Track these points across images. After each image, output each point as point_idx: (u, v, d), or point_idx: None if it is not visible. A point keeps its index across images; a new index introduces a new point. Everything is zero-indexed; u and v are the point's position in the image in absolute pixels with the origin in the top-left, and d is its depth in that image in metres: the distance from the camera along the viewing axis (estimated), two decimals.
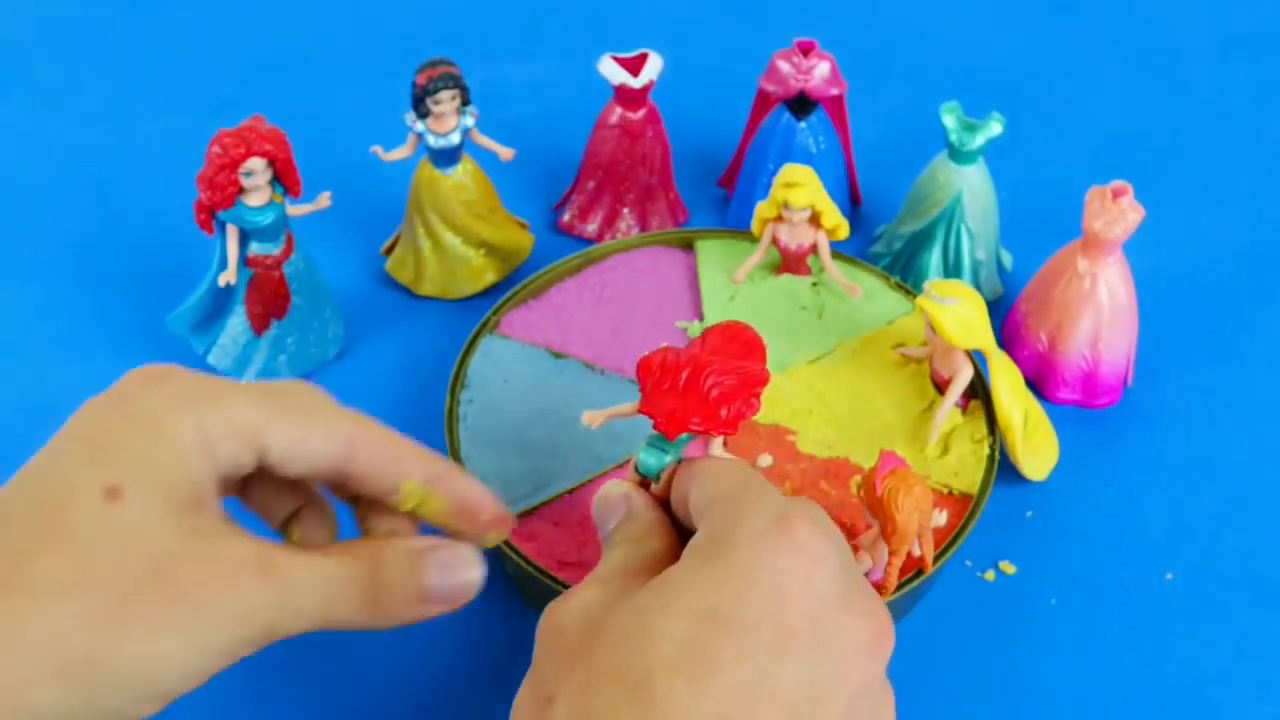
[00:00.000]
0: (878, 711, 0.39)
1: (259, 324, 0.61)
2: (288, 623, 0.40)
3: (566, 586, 0.50)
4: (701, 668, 0.36)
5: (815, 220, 0.61)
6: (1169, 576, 0.56)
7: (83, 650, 0.36)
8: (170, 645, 0.37)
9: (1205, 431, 0.62)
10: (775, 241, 0.62)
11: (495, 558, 0.55)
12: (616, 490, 0.45)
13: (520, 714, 0.39)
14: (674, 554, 0.42)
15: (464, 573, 0.43)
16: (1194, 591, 0.56)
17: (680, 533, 0.44)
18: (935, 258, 0.65)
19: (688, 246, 0.65)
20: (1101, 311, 0.60)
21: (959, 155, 0.63)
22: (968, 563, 0.56)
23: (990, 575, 0.56)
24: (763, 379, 0.45)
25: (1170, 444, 0.61)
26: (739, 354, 0.46)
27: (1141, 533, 0.58)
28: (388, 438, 0.44)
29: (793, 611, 0.37)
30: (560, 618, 0.40)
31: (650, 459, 0.45)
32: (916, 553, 0.50)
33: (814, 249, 0.62)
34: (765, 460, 0.52)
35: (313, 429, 0.42)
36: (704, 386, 0.44)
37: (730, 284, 0.63)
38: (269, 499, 0.46)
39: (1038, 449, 0.58)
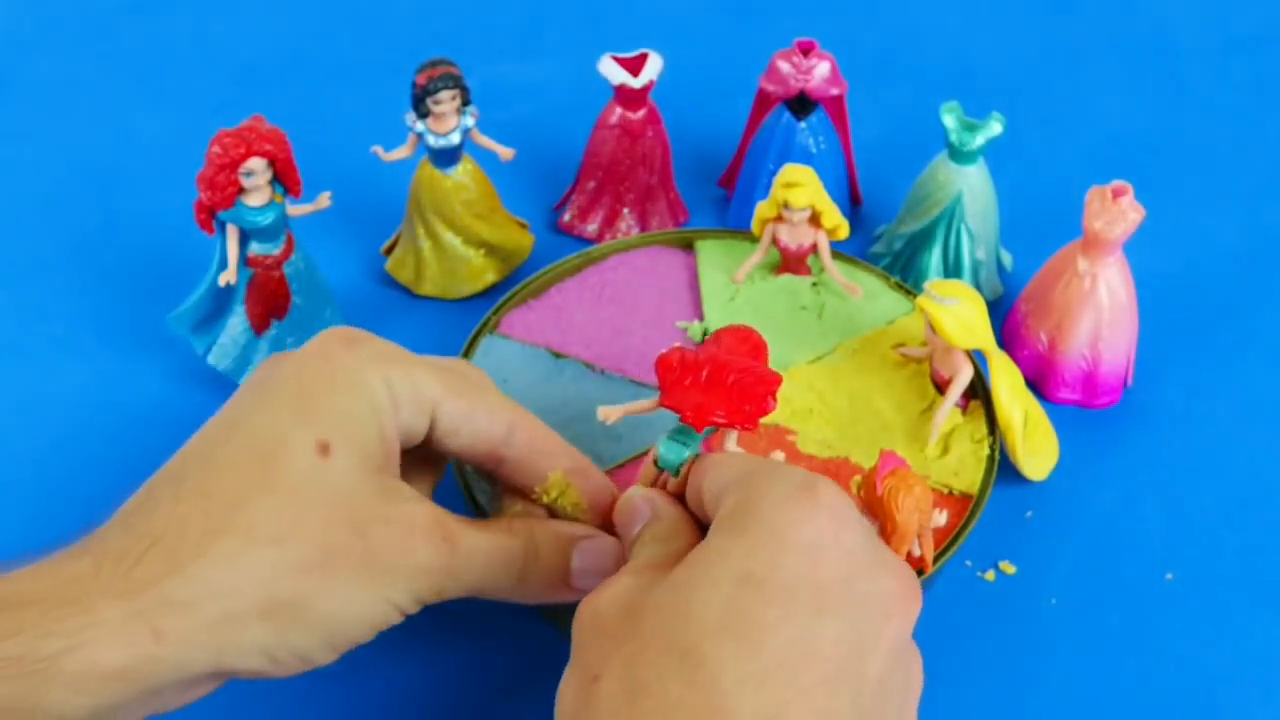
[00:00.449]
0: (910, 670, 0.40)
1: (259, 324, 0.61)
2: (452, 587, 0.43)
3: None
4: (748, 630, 0.36)
5: (815, 220, 0.61)
6: (1169, 576, 0.56)
7: (289, 596, 0.39)
8: (362, 598, 0.41)
9: (1205, 431, 0.62)
10: (775, 241, 0.62)
11: None
12: (640, 495, 0.46)
13: (566, 700, 0.39)
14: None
15: (605, 566, 0.46)
16: (1194, 591, 0.56)
17: (704, 530, 0.44)
18: (935, 258, 0.65)
19: (688, 246, 0.65)
20: (1101, 311, 0.60)
21: (959, 155, 0.63)
22: (968, 563, 0.56)
23: (990, 575, 0.56)
24: (777, 380, 0.46)
25: (1170, 444, 0.61)
26: (750, 355, 0.47)
27: (1141, 533, 0.58)
28: (543, 428, 0.48)
29: (826, 570, 0.37)
30: (598, 607, 0.40)
31: (670, 453, 0.45)
32: (916, 553, 0.50)
33: (814, 249, 0.62)
34: (778, 455, 0.52)
35: (481, 407, 0.46)
36: (727, 382, 0.45)
37: (730, 284, 0.63)
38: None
39: (1038, 449, 0.58)
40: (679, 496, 0.46)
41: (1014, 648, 0.54)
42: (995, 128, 0.62)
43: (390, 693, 0.52)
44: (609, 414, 0.48)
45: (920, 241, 0.66)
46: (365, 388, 0.43)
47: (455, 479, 0.53)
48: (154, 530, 0.39)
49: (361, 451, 0.42)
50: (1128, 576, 0.56)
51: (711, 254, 0.64)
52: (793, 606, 0.37)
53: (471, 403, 0.46)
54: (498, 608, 0.54)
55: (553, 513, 0.48)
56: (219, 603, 0.38)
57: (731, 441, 0.48)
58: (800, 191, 0.59)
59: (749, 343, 0.48)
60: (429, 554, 0.42)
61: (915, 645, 0.41)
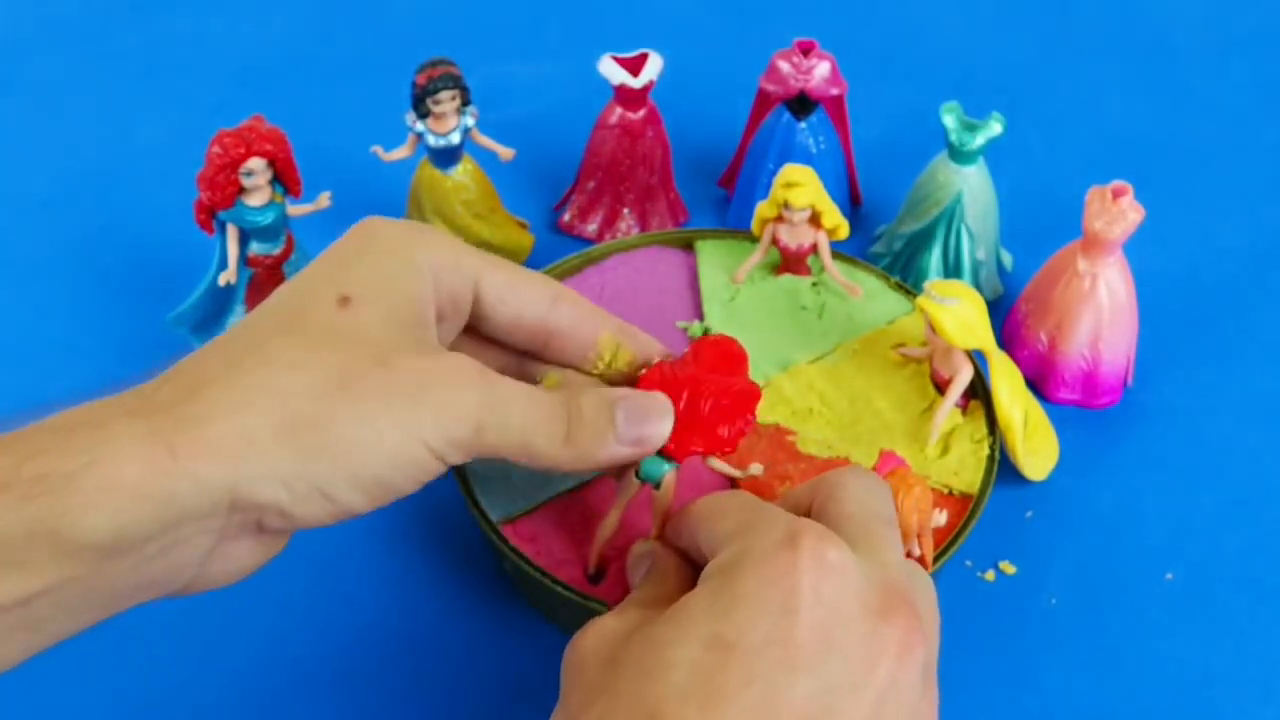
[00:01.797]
0: (915, 712, 0.39)
1: None
2: (494, 434, 0.42)
3: (565, 586, 0.50)
4: (710, 695, 0.36)
5: (815, 220, 0.61)
6: (1169, 576, 0.56)
7: (305, 414, 0.38)
8: (384, 425, 0.39)
9: (1205, 431, 0.62)
10: (775, 241, 0.62)
11: (495, 558, 0.55)
12: (643, 548, 0.47)
13: None
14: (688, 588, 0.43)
15: (653, 420, 0.45)
16: (1194, 591, 0.56)
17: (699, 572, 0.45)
18: (935, 258, 0.65)
19: (688, 246, 0.65)
20: (1101, 311, 0.60)
21: (959, 155, 0.63)
22: (968, 563, 0.56)
23: (990, 575, 0.56)
24: (754, 399, 0.46)
25: (1170, 444, 0.61)
26: (730, 370, 0.47)
27: (1141, 533, 0.58)
28: (582, 298, 0.48)
29: (801, 627, 0.37)
30: (581, 651, 0.40)
31: (652, 468, 0.47)
32: (916, 553, 0.50)
33: (814, 249, 0.62)
34: (756, 469, 0.52)
35: (524, 278, 0.47)
36: (703, 410, 0.46)
37: (730, 284, 0.63)
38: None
39: (1038, 449, 0.58)
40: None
41: (1014, 648, 0.54)
42: (995, 128, 0.62)
43: (388, 687, 0.52)
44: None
45: (920, 241, 0.66)
46: (401, 253, 0.44)
47: (455, 481, 0.53)
48: (177, 369, 0.39)
49: (390, 306, 0.42)
50: (1128, 576, 0.56)
51: (711, 254, 0.64)
52: (759, 669, 0.36)
53: (515, 275, 0.47)
54: (487, 596, 0.54)
55: (606, 380, 0.49)
56: (233, 419, 0.37)
57: (715, 461, 0.49)
58: (800, 191, 0.59)
59: (729, 357, 0.48)
60: (458, 386, 0.41)
61: (932, 683, 0.40)
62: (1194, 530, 0.58)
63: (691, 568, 0.45)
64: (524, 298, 0.47)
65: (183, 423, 0.36)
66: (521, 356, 0.49)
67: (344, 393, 0.38)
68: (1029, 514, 0.58)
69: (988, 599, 0.55)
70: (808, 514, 0.44)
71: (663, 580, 0.44)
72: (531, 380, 0.49)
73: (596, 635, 0.40)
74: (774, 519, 0.40)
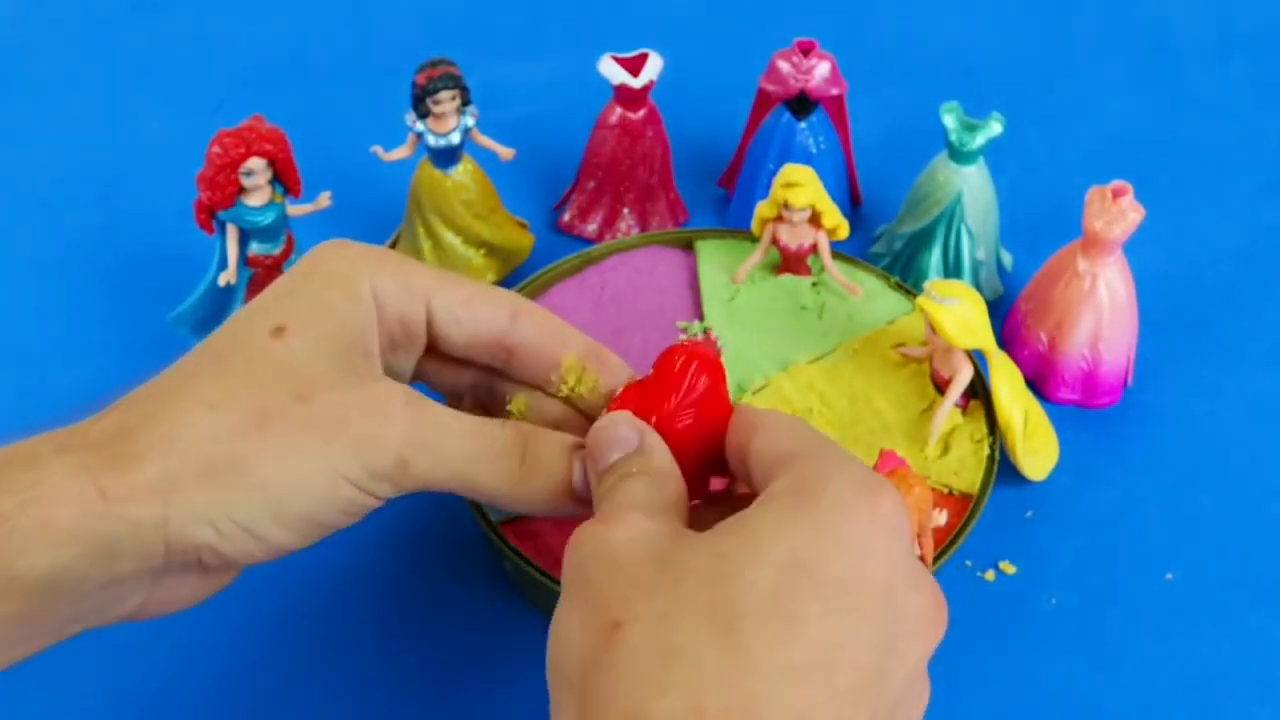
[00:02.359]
0: (921, 699, 0.39)
1: None
2: (424, 465, 0.41)
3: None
4: (792, 619, 0.35)
5: (815, 220, 0.61)
6: (1169, 576, 0.56)
7: (223, 456, 0.38)
8: (302, 463, 0.39)
9: (1205, 431, 0.62)
10: (775, 241, 0.62)
11: (495, 558, 0.55)
12: (625, 421, 0.42)
13: (573, 639, 0.36)
14: (686, 508, 0.41)
15: None
16: (1194, 591, 0.56)
17: (693, 484, 0.43)
18: (935, 258, 0.65)
19: (688, 246, 0.65)
20: (1101, 311, 0.60)
21: (959, 155, 0.63)
22: (968, 563, 0.56)
23: (990, 575, 0.56)
24: (727, 416, 0.43)
25: (1170, 444, 0.61)
26: (703, 387, 0.44)
27: (1141, 533, 0.58)
28: (547, 315, 0.46)
29: (872, 576, 0.36)
30: (611, 545, 0.37)
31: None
32: (916, 553, 0.50)
33: (814, 249, 0.62)
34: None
35: (480, 296, 0.45)
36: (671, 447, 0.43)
37: (730, 284, 0.63)
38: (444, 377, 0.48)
39: (1038, 449, 0.58)
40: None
41: (1014, 648, 0.54)
42: (995, 128, 0.62)
43: (387, 685, 0.52)
44: None
45: (920, 241, 0.66)
46: (345, 282, 0.43)
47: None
48: (114, 406, 0.40)
49: (326, 335, 0.42)
50: (1128, 576, 0.56)
51: (711, 254, 0.64)
52: (838, 604, 0.35)
53: (469, 293, 0.45)
54: (486, 595, 0.54)
55: (572, 405, 0.47)
56: (158, 462, 0.38)
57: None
58: (800, 191, 0.59)
59: (702, 369, 0.44)
60: (380, 418, 0.40)
61: (928, 676, 0.40)
62: (1194, 530, 0.58)
63: (682, 477, 0.42)
64: (479, 316, 0.45)
65: (113, 463, 0.37)
66: (490, 375, 0.48)
67: (261, 432, 0.39)
68: (1029, 514, 0.58)
69: (988, 599, 0.55)
70: None
71: (663, 481, 0.41)
72: (501, 401, 0.48)
73: (629, 532, 0.37)
74: (849, 458, 0.39)
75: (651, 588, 0.36)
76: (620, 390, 0.44)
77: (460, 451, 0.42)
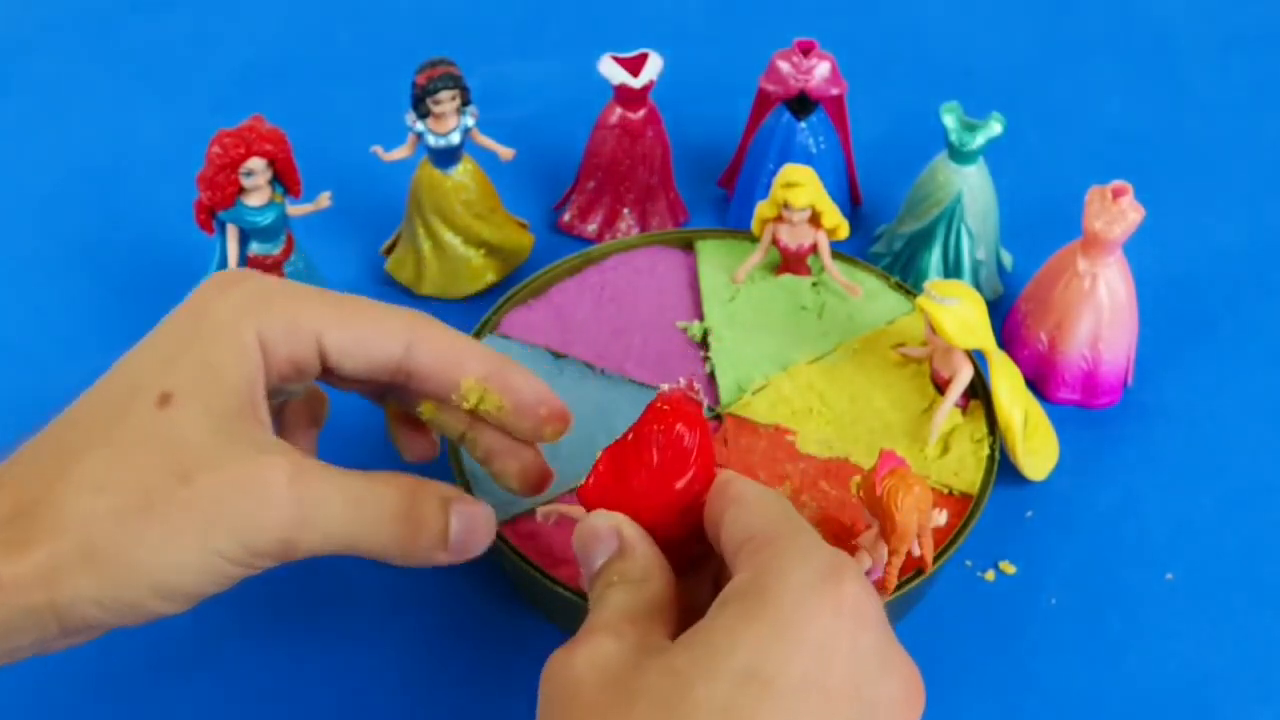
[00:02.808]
0: None
1: None
2: (309, 540, 0.41)
3: (563, 585, 0.50)
4: None
5: (815, 220, 0.61)
6: (1169, 576, 0.56)
7: (107, 542, 0.39)
8: (184, 548, 0.39)
9: (1205, 431, 0.62)
10: (775, 241, 0.62)
11: (494, 556, 0.55)
12: (604, 522, 0.42)
13: None
14: (672, 594, 0.41)
15: (480, 534, 0.45)
16: (1194, 591, 0.56)
17: (681, 557, 0.43)
18: (935, 258, 0.65)
19: (688, 246, 0.65)
20: (1101, 311, 0.60)
21: (959, 155, 0.63)
22: (968, 563, 0.56)
23: (990, 575, 0.56)
24: (705, 490, 0.43)
25: (1170, 444, 0.61)
26: (685, 466, 0.43)
27: (1141, 533, 0.58)
28: (447, 337, 0.46)
29: (837, 674, 0.36)
30: (574, 672, 0.37)
31: None
32: (916, 553, 0.50)
33: (814, 249, 0.62)
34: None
35: (372, 330, 0.45)
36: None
37: (730, 284, 0.63)
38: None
39: (1038, 449, 0.58)
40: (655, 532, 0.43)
41: (1014, 648, 0.54)
42: (995, 128, 0.62)
43: (383, 684, 0.52)
44: (548, 513, 0.48)
45: (920, 241, 0.66)
46: (229, 335, 0.43)
47: (455, 482, 0.53)
48: (8, 475, 0.40)
49: (210, 401, 0.41)
50: (1128, 576, 0.56)
51: (712, 254, 0.64)
52: (799, 711, 0.35)
53: (361, 326, 0.45)
54: (486, 595, 0.54)
55: (481, 418, 0.47)
56: (46, 548, 0.38)
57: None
58: (800, 191, 0.59)
59: (685, 423, 0.43)
60: (263, 502, 0.40)
61: None
62: (1194, 530, 0.58)
63: (667, 563, 0.42)
64: (371, 350, 0.45)
65: (8, 549, 0.38)
66: (396, 386, 0.48)
67: (144, 516, 0.39)
68: (1029, 514, 0.58)
69: (988, 599, 0.55)
70: None
71: (643, 581, 0.41)
72: (415, 400, 0.48)
73: (590, 658, 0.37)
74: (812, 541, 0.38)
75: (605, 713, 0.36)
76: (600, 455, 0.44)
77: (344, 524, 0.42)
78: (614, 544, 0.42)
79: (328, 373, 0.46)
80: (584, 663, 0.37)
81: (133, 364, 0.43)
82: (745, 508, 0.41)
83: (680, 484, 0.43)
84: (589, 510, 0.43)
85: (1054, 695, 0.52)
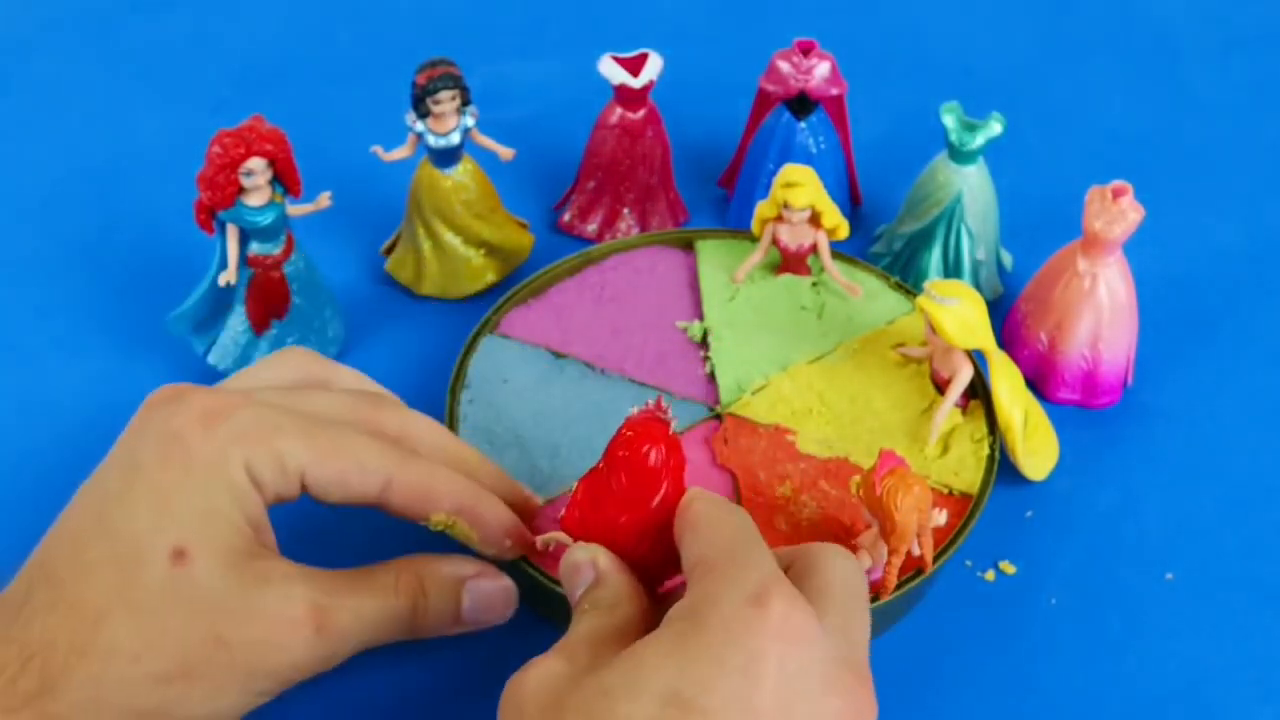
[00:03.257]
0: None
1: (259, 324, 0.61)
2: (334, 664, 0.45)
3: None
4: None
5: (815, 220, 0.61)
6: (1169, 576, 0.56)
7: (150, 706, 0.41)
8: (227, 701, 0.43)
9: (1205, 431, 0.62)
10: (775, 241, 0.62)
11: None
12: (583, 555, 0.44)
13: None
14: (646, 619, 0.42)
15: (497, 608, 0.49)
16: (1194, 591, 0.56)
17: (652, 594, 0.44)
18: (935, 258, 0.65)
19: (688, 246, 0.65)
20: (1101, 311, 0.60)
21: (959, 155, 0.63)
22: (968, 563, 0.56)
23: (990, 575, 0.56)
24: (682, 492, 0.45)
25: (1170, 444, 0.61)
26: (655, 488, 0.45)
27: (1141, 533, 0.58)
28: (421, 476, 0.47)
29: (763, 696, 0.36)
30: (521, 693, 0.39)
31: None
32: (916, 552, 0.50)
33: (814, 249, 0.62)
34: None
35: (352, 471, 0.46)
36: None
37: (730, 284, 0.63)
38: None
39: (1038, 449, 0.58)
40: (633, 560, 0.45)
41: (1014, 648, 0.54)
42: (995, 128, 0.62)
43: (380, 685, 0.52)
44: (546, 541, 0.49)
45: (920, 241, 0.66)
46: (224, 477, 0.44)
47: None
48: (31, 643, 0.41)
49: (221, 549, 0.43)
50: (1128, 576, 0.56)
51: (712, 254, 0.64)
52: None
53: (343, 467, 0.46)
54: (519, 617, 0.54)
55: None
56: (87, 717, 0.40)
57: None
58: (800, 191, 0.59)
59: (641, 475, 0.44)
60: (297, 653, 0.43)
61: None
62: (1194, 530, 0.58)
63: (644, 592, 0.43)
64: (352, 490, 0.46)
65: None
66: None
67: (186, 680, 0.41)
68: (1029, 514, 0.58)
69: (988, 599, 0.55)
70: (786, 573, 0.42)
71: (613, 607, 0.42)
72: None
73: (539, 678, 0.39)
74: (753, 564, 0.39)
75: None
76: (577, 484, 0.46)
77: (364, 642, 0.46)
78: (591, 575, 0.44)
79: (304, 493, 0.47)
80: (533, 682, 0.39)
81: (128, 508, 0.43)
82: (699, 531, 0.42)
83: (654, 503, 0.44)
84: (572, 538, 0.45)
85: (1054, 695, 0.52)
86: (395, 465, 0.47)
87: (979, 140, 0.62)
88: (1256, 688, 0.53)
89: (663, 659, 0.37)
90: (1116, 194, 0.58)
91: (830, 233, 0.61)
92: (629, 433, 0.44)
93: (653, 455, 0.44)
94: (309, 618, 0.43)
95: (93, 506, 0.44)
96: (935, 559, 0.51)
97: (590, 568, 0.44)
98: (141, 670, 0.41)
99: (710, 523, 0.42)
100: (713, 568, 0.39)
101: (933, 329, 0.55)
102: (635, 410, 0.45)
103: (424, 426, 0.50)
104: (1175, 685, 0.53)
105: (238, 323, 0.61)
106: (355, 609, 0.45)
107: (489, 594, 0.48)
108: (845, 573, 0.42)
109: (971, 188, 0.64)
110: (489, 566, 0.48)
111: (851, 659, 0.39)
